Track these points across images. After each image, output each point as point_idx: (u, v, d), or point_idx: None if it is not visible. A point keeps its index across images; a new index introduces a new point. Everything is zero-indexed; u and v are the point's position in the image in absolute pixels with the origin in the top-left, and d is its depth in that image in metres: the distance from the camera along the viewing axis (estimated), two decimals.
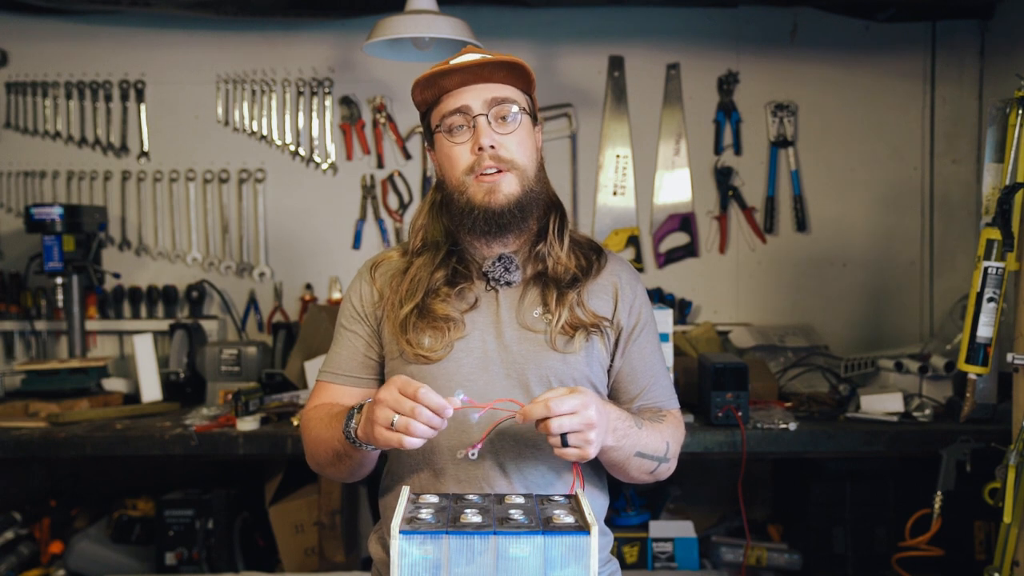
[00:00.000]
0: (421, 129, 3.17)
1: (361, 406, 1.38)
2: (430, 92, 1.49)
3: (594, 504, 1.53)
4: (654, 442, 1.47)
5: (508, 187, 1.46)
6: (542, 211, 1.54)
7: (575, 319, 1.49)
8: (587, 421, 1.29)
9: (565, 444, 1.29)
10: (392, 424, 1.26)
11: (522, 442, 1.46)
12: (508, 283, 1.51)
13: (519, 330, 1.49)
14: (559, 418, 1.27)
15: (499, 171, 1.46)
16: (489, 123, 1.45)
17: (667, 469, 1.53)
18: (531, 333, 1.48)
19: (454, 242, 1.54)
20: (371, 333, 1.56)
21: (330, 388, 1.57)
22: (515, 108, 1.47)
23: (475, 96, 1.45)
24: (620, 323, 1.55)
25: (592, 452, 1.32)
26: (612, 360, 1.55)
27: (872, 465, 2.75)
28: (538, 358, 1.47)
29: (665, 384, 1.60)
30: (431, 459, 1.48)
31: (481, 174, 1.45)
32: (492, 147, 1.44)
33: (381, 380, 1.57)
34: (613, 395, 1.58)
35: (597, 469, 1.57)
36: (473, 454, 1.37)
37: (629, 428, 1.42)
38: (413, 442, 1.26)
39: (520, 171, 1.47)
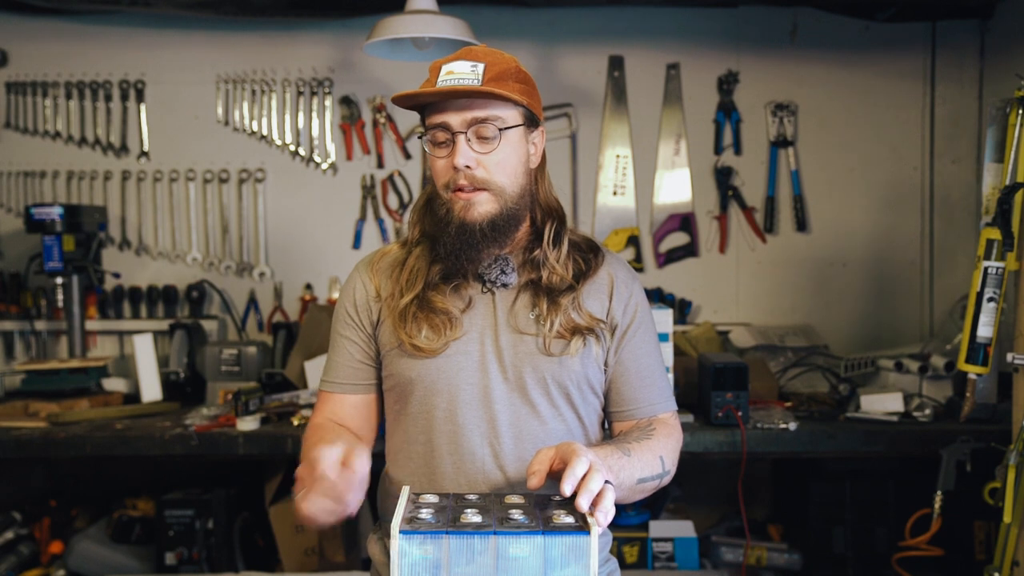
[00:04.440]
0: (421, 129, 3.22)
1: None
2: (413, 103, 1.49)
3: None
4: (649, 463, 1.42)
5: (482, 206, 1.44)
6: (538, 215, 1.53)
7: (570, 323, 1.47)
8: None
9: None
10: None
11: (522, 442, 1.46)
12: (504, 285, 1.51)
13: (513, 333, 1.48)
14: (593, 495, 1.18)
15: (475, 189, 1.44)
16: (469, 140, 1.43)
17: (668, 480, 1.49)
18: (525, 336, 1.47)
19: None
20: (366, 337, 1.54)
21: (331, 398, 1.57)
22: (496, 127, 1.43)
23: (455, 114, 1.43)
24: (615, 319, 1.53)
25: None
26: (607, 357, 1.53)
27: (872, 465, 2.75)
28: (534, 361, 1.47)
29: (661, 385, 1.56)
30: (430, 460, 1.48)
31: (457, 190, 1.45)
32: (468, 167, 1.43)
33: (379, 383, 1.57)
34: (607, 394, 1.56)
35: None
36: None
37: (620, 459, 1.35)
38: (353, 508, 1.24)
39: (497, 190, 1.45)
